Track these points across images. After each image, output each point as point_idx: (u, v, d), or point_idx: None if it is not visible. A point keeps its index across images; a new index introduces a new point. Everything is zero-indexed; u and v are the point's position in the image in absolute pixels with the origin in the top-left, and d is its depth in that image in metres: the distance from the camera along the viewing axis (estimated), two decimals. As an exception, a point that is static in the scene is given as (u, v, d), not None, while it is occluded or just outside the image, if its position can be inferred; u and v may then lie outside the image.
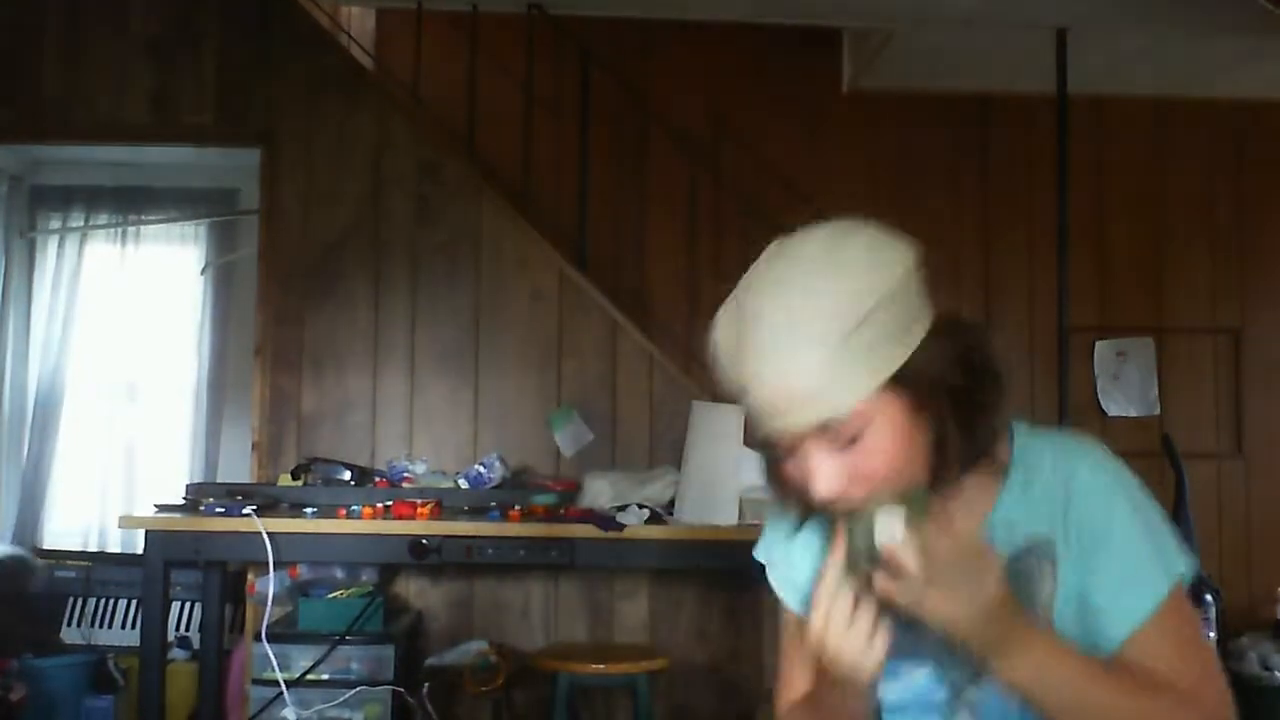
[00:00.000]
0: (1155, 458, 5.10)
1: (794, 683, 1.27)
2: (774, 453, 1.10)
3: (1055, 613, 1.11)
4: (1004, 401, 1.10)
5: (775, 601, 1.33)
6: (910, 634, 1.12)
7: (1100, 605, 1.10)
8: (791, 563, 1.29)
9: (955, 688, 1.15)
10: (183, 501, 3.63)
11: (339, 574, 3.86)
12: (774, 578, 1.31)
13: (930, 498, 1.04)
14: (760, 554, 1.33)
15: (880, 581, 1.00)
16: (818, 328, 1.01)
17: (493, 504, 3.60)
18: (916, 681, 1.17)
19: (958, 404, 1.06)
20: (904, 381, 1.04)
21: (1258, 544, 5.27)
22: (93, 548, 5.12)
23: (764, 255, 1.11)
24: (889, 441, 1.05)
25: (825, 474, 1.05)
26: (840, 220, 1.11)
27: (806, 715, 1.22)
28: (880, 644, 1.03)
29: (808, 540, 1.26)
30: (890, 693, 1.18)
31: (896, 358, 1.03)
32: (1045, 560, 1.12)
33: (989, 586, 1.00)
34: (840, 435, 1.04)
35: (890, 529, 1.00)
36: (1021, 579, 1.11)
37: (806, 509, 1.15)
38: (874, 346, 1.02)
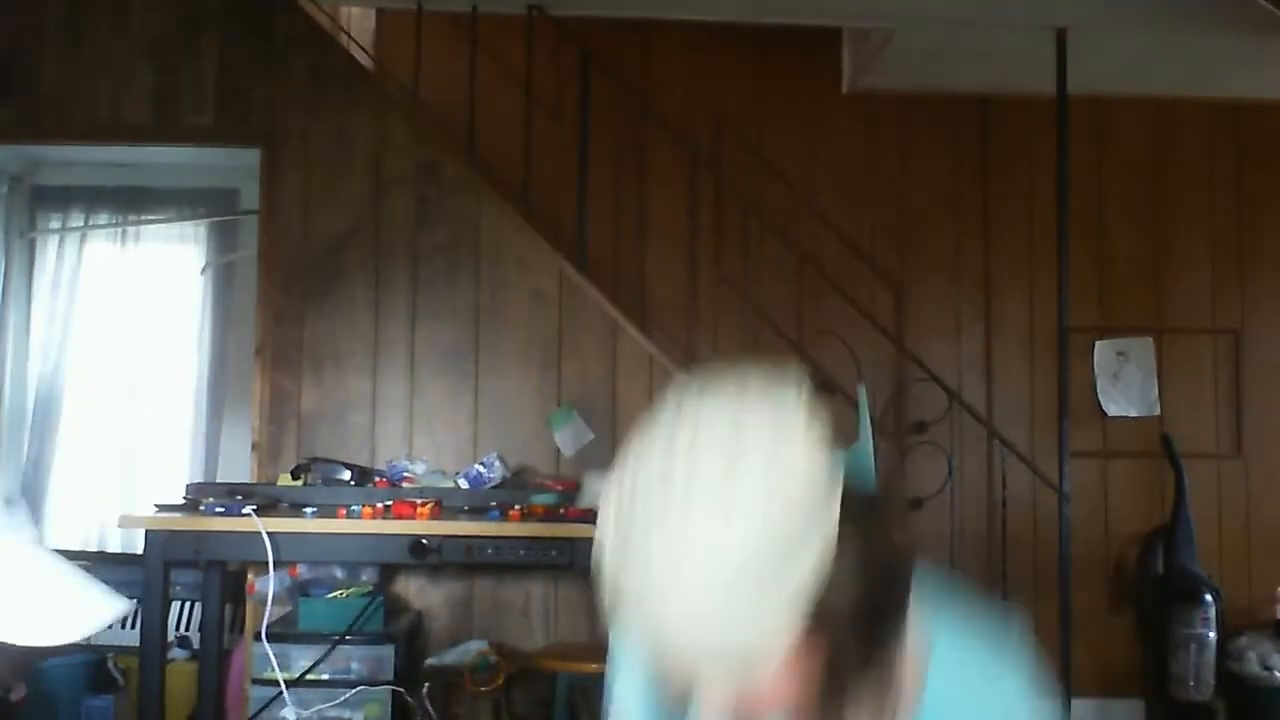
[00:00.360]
0: (1155, 458, 5.12)
1: None
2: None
3: None
4: (907, 604, 0.98)
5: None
6: None
7: None
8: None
9: None
10: (183, 501, 3.63)
11: (339, 574, 3.87)
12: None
13: None
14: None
15: None
16: (727, 578, 0.87)
17: (493, 504, 3.60)
18: None
19: (855, 619, 0.94)
20: (799, 612, 0.90)
21: (1258, 544, 5.27)
22: (93, 548, 5.12)
23: (661, 428, 0.93)
24: (793, 688, 0.95)
25: (716, 713, 0.97)
26: (735, 391, 0.94)
27: None
28: None
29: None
30: None
31: (789, 596, 0.89)
32: None
33: None
34: (743, 694, 0.95)
35: None
36: None
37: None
38: (792, 573, 0.89)
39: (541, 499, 3.61)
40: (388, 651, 3.60)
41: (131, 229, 5.41)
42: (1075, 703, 4.38)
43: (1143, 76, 5.10)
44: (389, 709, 3.56)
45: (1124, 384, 5.30)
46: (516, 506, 3.47)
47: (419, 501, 3.40)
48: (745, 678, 0.93)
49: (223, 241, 5.41)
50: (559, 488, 3.78)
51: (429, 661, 3.84)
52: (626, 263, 5.22)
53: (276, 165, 4.23)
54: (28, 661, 4.52)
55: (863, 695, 0.97)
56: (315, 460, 3.95)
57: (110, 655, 4.26)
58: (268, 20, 4.27)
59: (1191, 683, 4.68)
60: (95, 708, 4.15)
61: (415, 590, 4.09)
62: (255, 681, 3.54)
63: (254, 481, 4.05)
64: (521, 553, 3.31)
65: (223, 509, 3.30)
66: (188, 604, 4.44)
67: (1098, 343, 5.31)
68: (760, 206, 5.11)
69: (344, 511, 3.38)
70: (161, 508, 3.53)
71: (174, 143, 4.44)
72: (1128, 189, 5.45)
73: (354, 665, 3.58)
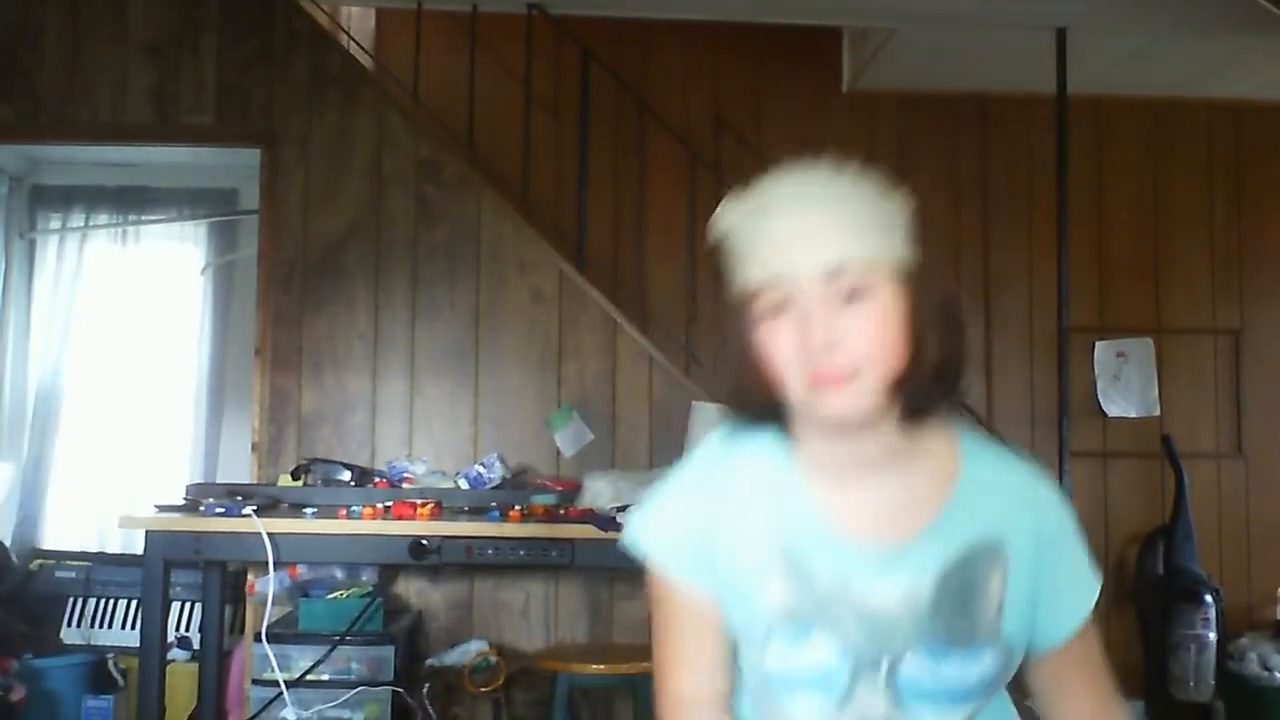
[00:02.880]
0: (1155, 458, 5.11)
1: (693, 674, 1.17)
2: (761, 316, 1.09)
3: (1005, 604, 1.13)
4: (968, 359, 1.14)
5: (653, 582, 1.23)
6: (820, 605, 1.11)
7: (1051, 603, 1.17)
8: (701, 530, 1.18)
9: (861, 667, 1.10)
10: (183, 502, 3.63)
11: (339, 574, 3.87)
12: (670, 549, 1.20)
13: None
14: (645, 533, 1.22)
15: None
16: (851, 186, 1.11)
17: (493, 504, 3.60)
18: (817, 656, 1.11)
19: (938, 330, 1.10)
20: (904, 278, 1.09)
21: (1258, 544, 5.27)
22: (93, 548, 5.11)
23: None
24: (883, 316, 1.07)
25: (825, 318, 1.06)
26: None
27: None
28: None
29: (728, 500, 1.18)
30: (785, 664, 1.13)
31: (906, 250, 1.11)
32: (996, 562, 1.14)
33: None
34: (847, 284, 1.06)
35: None
36: (974, 571, 1.13)
37: (765, 406, 1.13)
38: (891, 226, 1.11)
39: (541, 499, 3.61)
40: (388, 652, 3.60)
41: (131, 229, 5.41)
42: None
43: (1143, 76, 5.10)
44: (389, 709, 3.56)
45: (1124, 384, 5.30)
46: (516, 507, 3.47)
47: (419, 502, 3.40)
48: (844, 289, 1.06)
49: (223, 241, 5.40)
50: (559, 488, 3.78)
51: (429, 662, 3.84)
52: (626, 263, 5.22)
53: (276, 165, 4.23)
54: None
55: (928, 402, 1.11)
56: (315, 461, 3.95)
57: (110, 655, 4.26)
58: (268, 20, 4.27)
59: (1191, 683, 4.68)
60: (95, 708, 4.14)
61: (415, 591, 4.09)
62: (255, 682, 3.54)
63: (254, 482, 4.05)
64: (521, 553, 3.31)
65: (223, 509, 3.30)
66: (188, 604, 4.44)
67: (1098, 343, 5.31)
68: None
69: (344, 512, 3.38)
70: (161, 508, 3.53)
71: (174, 143, 4.44)
72: (1128, 189, 5.45)
73: (354, 666, 3.58)
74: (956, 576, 1.12)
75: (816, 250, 1.07)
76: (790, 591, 1.12)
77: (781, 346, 1.07)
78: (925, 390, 1.10)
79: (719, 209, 1.14)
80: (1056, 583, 1.17)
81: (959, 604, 1.12)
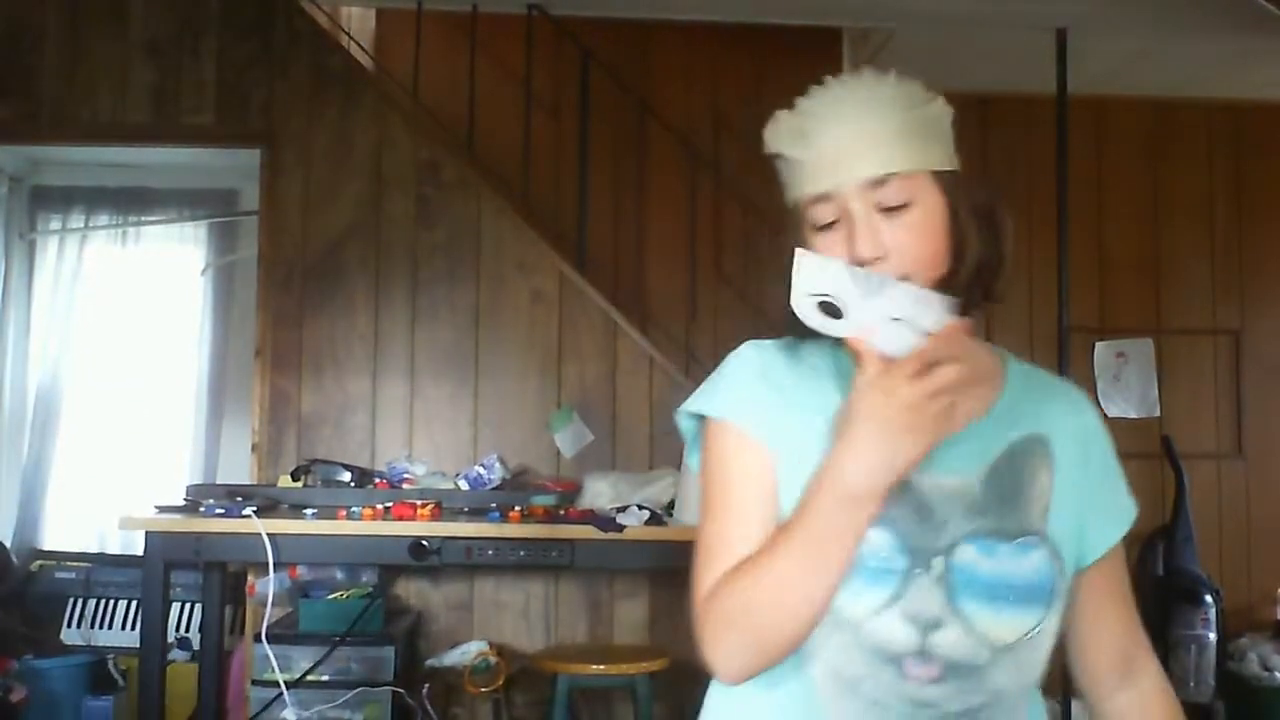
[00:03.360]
0: (1155, 458, 5.11)
1: (743, 542, 1.11)
2: (811, 229, 1.12)
3: (1052, 504, 1.15)
4: (1008, 260, 1.15)
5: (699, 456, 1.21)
6: None
7: (1094, 512, 1.19)
8: (768, 402, 1.16)
9: (917, 558, 1.09)
10: (183, 502, 3.63)
11: (339, 575, 3.86)
12: (732, 405, 1.17)
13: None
14: (702, 400, 1.20)
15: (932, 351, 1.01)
16: (894, 94, 1.12)
17: (493, 505, 3.60)
18: (873, 544, 1.09)
19: (979, 233, 1.12)
20: (946, 184, 1.11)
21: (1258, 544, 5.27)
22: (93, 548, 5.12)
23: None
24: (928, 223, 1.09)
25: (871, 230, 1.08)
26: None
27: (763, 569, 1.07)
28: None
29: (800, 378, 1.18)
30: None
31: (949, 156, 1.13)
32: (1044, 456, 1.16)
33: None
34: (892, 196, 1.08)
35: (938, 312, 1.05)
36: (1022, 461, 1.15)
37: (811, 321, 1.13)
38: (937, 131, 1.13)
39: (541, 500, 3.61)
40: (388, 652, 3.60)
41: (131, 230, 5.41)
42: (1075, 703, 4.38)
43: (1143, 76, 5.10)
44: (389, 710, 3.56)
45: (1124, 385, 5.30)
46: (516, 508, 3.47)
47: (419, 503, 3.40)
48: (889, 199, 1.08)
49: (223, 242, 5.41)
50: (559, 489, 3.78)
51: (429, 662, 3.84)
52: (626, 263, 5.22)
53: (276, 165, 4.23)
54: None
55: (969, 301, 1.13)
56: (315, 461, 3.95)
57: (110, 656, 4.26)
58: (268, 20, 4.27)
59: (1192, 683, 4.68)
60: (95, 708, 4.14)
61: (415, 591, 4.09)
62: (255, 682, 3.54)
63: (254, 483, 4.04)
64: (521, 554, 3.31)
65: (223, 510, 3.30)
66: (188, 605, 4.44)
67: (1098, 343, 5.31)
68: (760, 206, 5.11)
69: (344, 513, 3.38)
70: (161, 509, 3.53)
71: (174, 143, 4.44)
72: (1128, 189, 5.45)
73: (354, 666, 3.57)
74: (1006, 467, 1.14)
75: (860, 163, 1.09)
76: None
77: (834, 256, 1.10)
78: (966, 291, 1.12)
79: (770, 123, 1.17)
80: (1100, 492, 1.20)
81: (1009, 495, 1.13)
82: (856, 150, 1.09)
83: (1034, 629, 1.12)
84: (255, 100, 4.25)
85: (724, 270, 5.21)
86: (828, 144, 1.11)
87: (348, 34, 4.96)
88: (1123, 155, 5.45)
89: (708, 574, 1.12)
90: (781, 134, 1.16)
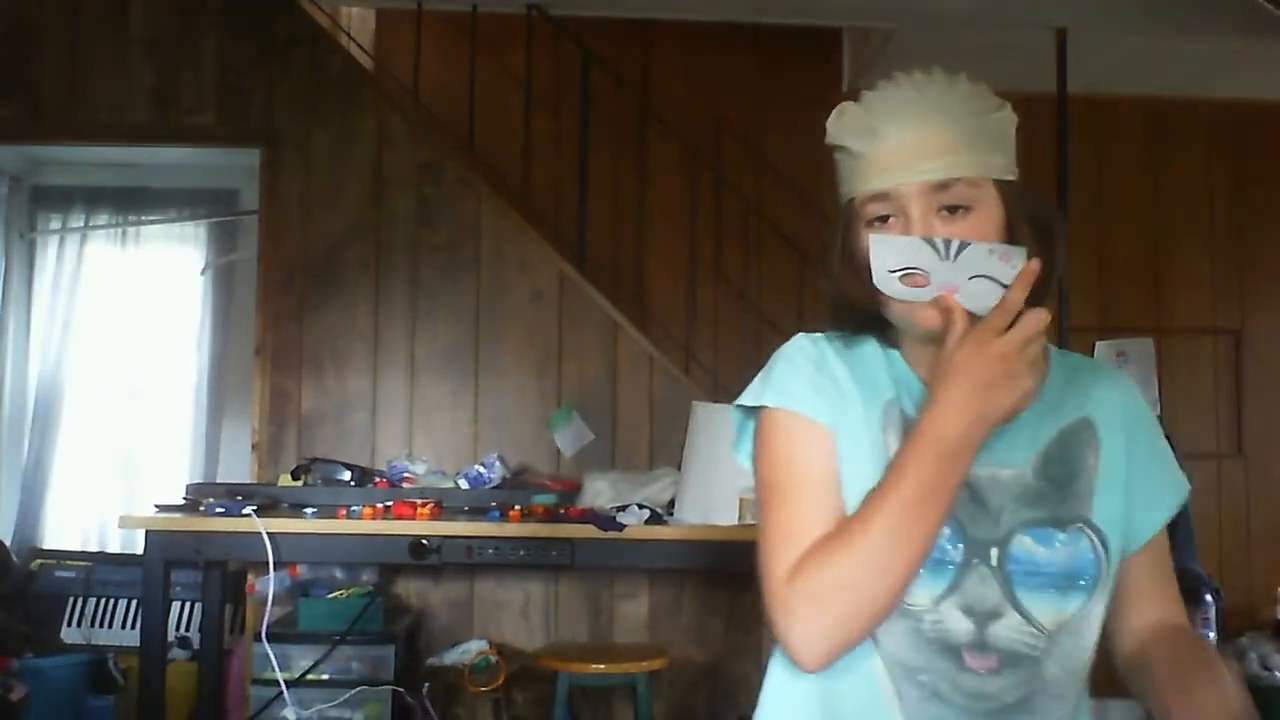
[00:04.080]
0: (1155, 458, 5.11)
1: (817, 524, 1.09)
2: (867, 223, 1.13)
3: (1097, 486, 1.15)
4: (1058, 269, 1.16)
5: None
6: None
7: (1142, 489, 1.19)
8: (826, 390, 1.17)
9: (974, 548, 1.11)
10: (183, 501, 3.63)
11: (339, 574, 3.87)
12: (791, 395, 1.17)
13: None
14: (759, 391, 1.19)
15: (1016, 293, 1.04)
16: (965, 98, 1.13)
17: (493, 504, 3.60)
18: None
19: (1033, 246, 1.12)
20: (1006, 192, 1.12)
21: (1258, 544, 5.27)
22: (93, 548, 5.12)
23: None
24: (985, 229, 1.10)
25: (927, 231, 1.10)
26: None
27: (859, 538, 1.05)
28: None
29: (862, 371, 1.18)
30: None
31: (1011, 165, 1.14)
32: (1091, 436, 1.17)
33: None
34: (953, 199, 1.10)
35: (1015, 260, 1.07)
36: (1071, 447, 1.16)
37: (866, 316, 1.17)
38: (1002, 139, 1.14)
39: (541, 499, 3.61)
40: (388, 651, 3.60)
41: (131, 229, 5.41)
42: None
43: (1143, 76, 5.10)
44: (389, 709, 3.56)
45: (1124, 384, 5.30)
46: (516, 507, 3.47)
47: (419, 502, 3.40)
48: (949, 202, 1.10)
49: (223, 242, 5.40)
50: (559, 488, 3.78)
51: (429, 661, 3.84)
52: (626, 263, 5.22)
53: (276, 165, 4.23)
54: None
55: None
56: (315, 461, 3.95)
57: (110, 655, 4.26)
58: (268, 20, 4.27)
59: (1191, 683, 4.68)
60: (95, 708, 4.14)
61: (415, 590, 4.09)
62: (255, 681, 3.54)
63: (254, 482, 4.05)
64: (521, 553, 3.31)
65: (223, 509, 3.30)
66: (188, 604, 4.44)
67: (1098, 343, 5.31)
68: (760, 206, 5.11)
69: (344, 512, 3.38)
70: (161, 508, 3.53)
71: (174, 143, 4.44)
72: (1128, 189, 5.45)
73: (354, 665, 3.58)
74: (1058, 454, 1.15)
75: (925, 165, 1.10)
76: None
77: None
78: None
79: (834, 114, 1.17)
80: (1146, 468, 1.20)
81: (1062, 482, 1.14)
82: (923, 152, 1.10)
83: (1080, 615, 1.13)
84: (255, 100, 4.25)
85: (724, 270, 5.21)
86: (894, 143, 1.11)
87: (348, 34, 4.96)
88: (1123, 155, 5.45)
89: (783, 558, 1.09)
90: (847, 128, 1.15)
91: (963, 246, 1.07)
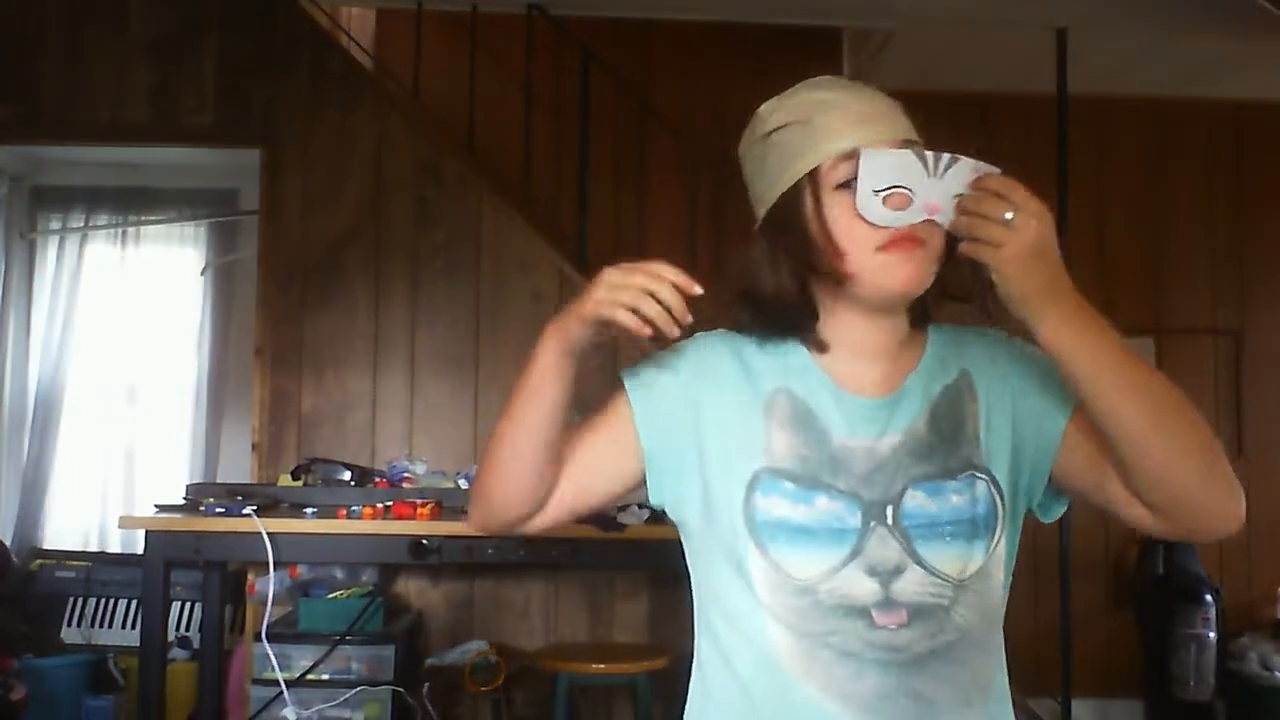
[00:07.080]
0: (1155, 458, 5.11)
1: (573, 438, 1.37)
2: (832, 186, 1.17)
3: (981, 429, 1.20)
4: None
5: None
6: (829, 463, 1.16)
7: (1034, 404, 1.21)
8: (665, 389, 1.36)
9: (871, 511, 1.14)
10: (183, 502, 3.63)
11: (339, 574, 3.86)
12: (642, 383, 1.41)
13: None
14: (632, 372, 1.43)
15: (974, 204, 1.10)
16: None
17: (493, 504, 3.59)
18: (830, 507, 1.15)
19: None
20: None
21: (1258, 544, 5.27)
22: (93, 548, 5.12)
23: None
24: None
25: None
26: None
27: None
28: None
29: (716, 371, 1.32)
30: (797, 515, 1.15)
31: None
32: (970, 385, 1.22)
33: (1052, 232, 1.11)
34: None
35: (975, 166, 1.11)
36: (955, 401, 1.21)
37: (785, 308, 1.27)
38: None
39: (542, 499, 3.60)
40: (388, 651, 3.60)
41: (131, 229, 5.41)
42: (1075, 703, 4.38)
43: (1143, 76, 5.10)
44: (389, 709, 3.56)
45: (1124, 384, 5.30)
46: (517, 506, 3.46)
47: (419, 502, 3.40)
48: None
49: (223, 242, 5.41)
50: (559, 488, 3.77)
51: (429, 661, 3.84)
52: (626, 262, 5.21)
53: (276, 165, 4.23)
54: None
55: (960, 288, 1.20)
56: (315, 461, 3.94)
57: (110, 655, 4.26)
58: (268, 20, 4.27)
59: (1192, 683, 4.69)
60: (95, 708, 4.14)
61: (415, 590, 4.09)
62: (255, 681, 3.54)
63: (254, 482, 4.05)
64: (522, 553, 3.31)
65: (223, 509, 3.30)
66: (188, 604, 4.44)
67: (1098, 343, 5.31)
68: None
69: (344, 512, 3.37)
70: (161, 508, 3.53)
71: (174, 143, 4.45)
72: (1128, 189, 5.45)
73: (354, 665, 3.58)
74: (945, 409, 1.20)
75: (892, 124, 1.18)
76: (798, 443, 1.17)
77: (849, 218, 1.15)
78: (960, 276, 1.17)
79: (767, 106, 1.31)
80: (1033, 387, 1.22)
81: (950, 434, 1.19)
82: (880, 115, 1.18)
83: (984, 558, 1.16)
84: (255, 100, 4.25)
85: (724, 270, 5.20)
86: (854, 107, 1.19)
87: (348, 34, 4.96)
88: (1123, 155, 5.45)
89: None
90: (794, 107, 1.24)
91: (952, 161, 1.11)
